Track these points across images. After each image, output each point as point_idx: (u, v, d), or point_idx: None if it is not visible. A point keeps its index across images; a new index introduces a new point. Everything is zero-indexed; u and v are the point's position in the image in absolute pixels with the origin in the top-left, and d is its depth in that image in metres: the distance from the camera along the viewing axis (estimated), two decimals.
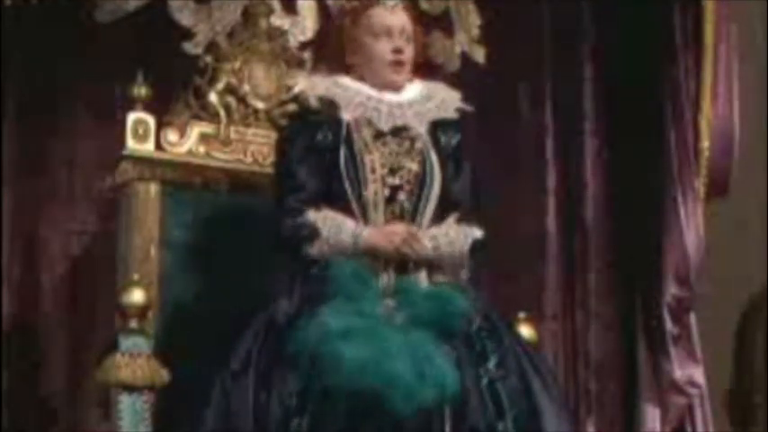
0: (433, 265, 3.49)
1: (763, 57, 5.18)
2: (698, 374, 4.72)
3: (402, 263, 3.45)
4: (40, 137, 4.27)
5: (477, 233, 3.55)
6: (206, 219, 3.98)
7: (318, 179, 3.51)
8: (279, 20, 4.32)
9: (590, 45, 4.99)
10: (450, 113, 3.65)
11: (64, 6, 4.22)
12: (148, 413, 3.61)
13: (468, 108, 3.69)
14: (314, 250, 3.44)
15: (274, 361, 3.28)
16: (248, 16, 4.23)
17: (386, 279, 3.43)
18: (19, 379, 4.13)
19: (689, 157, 4.72)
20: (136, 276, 3.74)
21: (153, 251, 3.90)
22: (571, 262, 4.90)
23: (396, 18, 3.65)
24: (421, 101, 3.64)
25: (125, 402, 3.58)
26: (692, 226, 4.71)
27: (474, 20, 4.78)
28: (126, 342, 3.61)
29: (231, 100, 4.11)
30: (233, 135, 4.10)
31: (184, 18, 4.31)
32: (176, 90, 4.10)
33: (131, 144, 3.93)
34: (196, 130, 4.06)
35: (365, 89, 3.62)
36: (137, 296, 3.65)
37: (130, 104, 3.95)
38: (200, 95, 4.09)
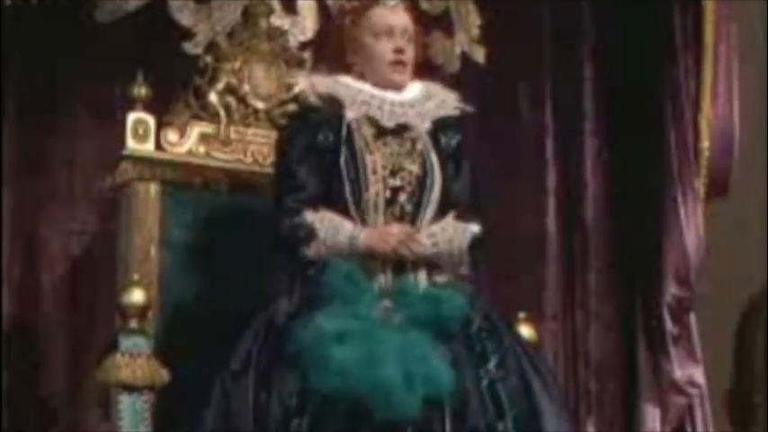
0: (432, 264, 3.48)
1: (763, 57, 5.18)
2: (698, 374, 4.72)
3: (400, 263, 3.45)
4: (40, 137, 4.27)
5: (475, 228, 3.54)
6: (206, 219, 3.98)
7: (318, 179, 3.51)
8: (279, 20, 4.32)
9: (590, 45, 4.99)
10: (451, 111, 3.65)
11: (64, 6, 4.22)
12: (148, 413, 3.60)
13: (468, 108, 3.69)
14: (311, 251, 3.44)
15: (274, 361, 3.28)
16: (248, 16, 4.23)
17: (383, 280, 3.43)
18: (19, 379, 4.13)
19: (689, 157, 4.72)
20: (136, 276, 3.74)
21: (153, 251, 3.90)
22: (571, 262, 4.90)
23: (397, 18, 3.65)
24: (422, 100, 3.64)
25: (125, 402, 3.58)
26: (692, 226, 4.71)
27: (474, 20, 4.78)
28: (126, 342, 3.61)
29: (231, 100, 4.11)
30: (233, 135, 4.10)
31: (184, 18, 4.31)
32: (176, 90, 4.10)
33: (131, 144, 3.93)
34: (196, 130, 4.06)
35: (367, 88, 3.61)
36: (137, 296, 3.65)
37: (130, 104, 3.95)
38: (200, 95, 4.09)
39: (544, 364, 3.54)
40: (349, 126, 3.54)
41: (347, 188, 3.47)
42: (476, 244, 3.53)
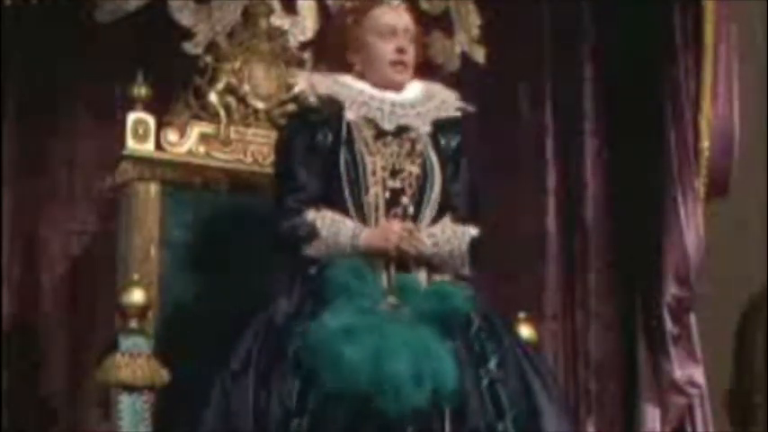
0: (432, 265, 3.48)
1: (763, 57, 5.18)
2: (698, 374, 4.72)
3: (402, 262, 3.45)
4: (40, 137, 4.27)
5: (473, 231, 3.54)
6: (206, 219, 3.99)
7: (318, 180, 3.50)
8: (279, 20, 4.32)
9: (590, 45, 4.99)
10: (451, 112, 3.65)
11: (64, 6, 4.22)
12: (148, 413, 3.61)
13: (470, 108, 3.69)
14: (312, 251, 3.44)
15: (274, 361, 3.28)
16: (248, 16, 4.24)
17: (386, 278, 3.43)
18: (19, 379, 4.13)
19: (689, 157, 4.72)
20: (136, 276, 3.74)
21: (153, 251, 3.90)
22: (571, 262, 4.90)
23: (400, 18, 3.65)
24: (422, 101, 3.64)
25: (125, 402, 3.58)
26: (692, 226, 4.71)
27: (474, 20, 4.78)
28: (126, 342, 3.61)
29: (231, 100, 4.11)
30: (233, 135, 4.10)
31: (184, 18, 4.32)
32: (176, 90, 4.10)
33: (131, 144, 3.93)
34: (196, 130, 4.06)
35: (367, 88, 3.61)
36: (137, 296, 3.65)
37: (130, 104, 3.95)
38: (200, 95, 4.09)
39: (544, 364, 3.54)
40: (349, 127, 3.54)
41: (347, 189, 3.47)
42: (474, 246, 3.53)
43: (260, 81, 4.16)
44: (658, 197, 4.76)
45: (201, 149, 4.05)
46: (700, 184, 4.72)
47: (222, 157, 4.07)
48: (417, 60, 3.69)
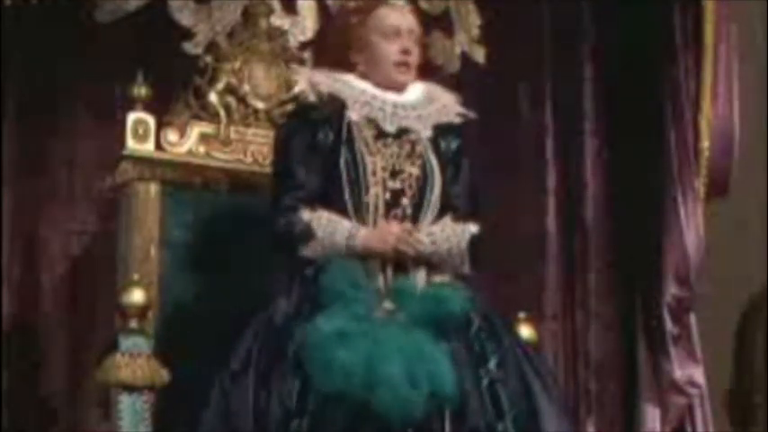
0: (431, 265, 3.48)
1: (763, 57, 5.18)
2: (698, 374, 4.72)
3: (400, 262, 3.44)
4: (40, 137, 4.27)
5: (473, 228, 3.53)
6: (206, 219, 3.99)
7: (317, 179, 3.49)
8: (279, 20, 4.32)
9: (590, 45, 4.99)
10: (452, 118, 3.64)
11: (64, 6, 4.22)
12: (148, 413, 3.60)
13: (470, 114, 3.68)
14: (309, 251, 3.43)
15: (274, 361, 3.28)
16: (248, 16, 4.23)
17: (383, 280, 3.42)
18: (19, 379, 4.13)
19: (689, 157, 4.72)
20: (136, 276, 3.74)
21: (153, 251, 3.90)
22: (571, 262, 4.90)
23: (404, 19, 3.64)
24: (423, 103, 3.63)
25: (125, 402, 3.58)
26: (692, 226, 4.71)
27: (474, 20, 4.78)
28: (126, 342, 3.61)
29: (231, 100, 4.11)
30: (233, 135, 4.09)
31: (184, 18, 4.32)
32: (176, 90, 4.10)
33: (131, 144, 3.93)
34: (196, 130, 4.06)
35: (369, 88, 3.60)
36: (137, 296, 3.65)
37: (130, 104, 3.95)
38: (200, 95, 4.09)
39: (544, 364, 3.54)
40: (349, 126, 3.53)
41: (347, 189, 3.46)
42: (474, 244, 3.52)
43: (260, 81, 4.16)
44: (658, 197, 4.76)
45: (201, 149, 4.05)
46: (700, 184, 4.72)
47: (222, 157, 4.07)
48: (419, 61, 3.69)
